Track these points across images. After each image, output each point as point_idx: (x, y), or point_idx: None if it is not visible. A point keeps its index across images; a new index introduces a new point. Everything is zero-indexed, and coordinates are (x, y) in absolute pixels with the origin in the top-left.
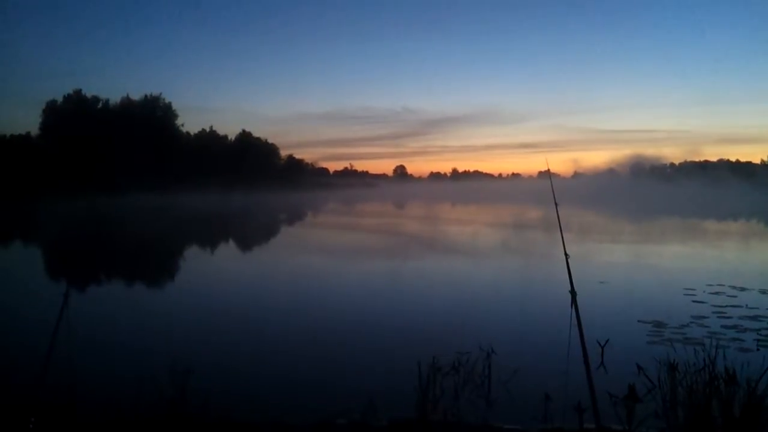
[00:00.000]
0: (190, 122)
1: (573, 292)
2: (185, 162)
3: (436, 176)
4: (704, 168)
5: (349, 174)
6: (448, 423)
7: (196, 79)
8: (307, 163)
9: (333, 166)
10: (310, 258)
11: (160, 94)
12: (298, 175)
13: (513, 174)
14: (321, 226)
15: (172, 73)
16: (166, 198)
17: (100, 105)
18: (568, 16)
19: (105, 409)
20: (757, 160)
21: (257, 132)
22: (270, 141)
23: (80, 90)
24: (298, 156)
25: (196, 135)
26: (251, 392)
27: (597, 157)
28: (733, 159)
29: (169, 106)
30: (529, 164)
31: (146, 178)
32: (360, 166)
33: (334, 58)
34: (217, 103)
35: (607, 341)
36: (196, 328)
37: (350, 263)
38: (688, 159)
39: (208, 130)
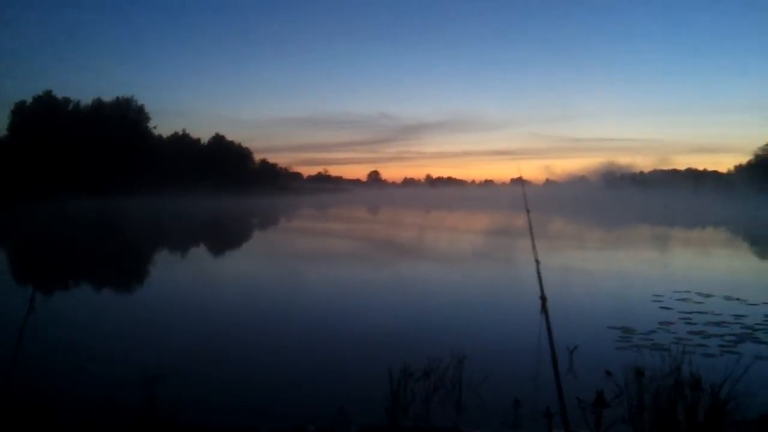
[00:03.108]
0: (164, 125)
1: (543, 298)
2: (157, 165)
3: (410, 182)
4: (673, 176)
5: (323, 179)
6: (418, 428)
7: (170, 82)
8: (280, 168)
9: (307, 171)
10: (280, 264)
11: (133, 96)
12: (271, 179)
13: (486, 180)
14: (292, 231)
15: (145, 76)
16: (137, 201)
17: (70, 107)
18: (544, 27)
19: (71, 416)
20: (723, 170)
21: (231, 136)
22: (244, 145)
23: (50, 91)
24: (272, 160)
25: (168, 138)
26: (221, 398)
27: (569, 165)
28: (701, 168)
29: (141, 109)
30: (502, 171)
31: (117, 181)
32: (334, 171)
33: (312, 62)
34: (191, 106)
35: (576, 347)
36: (166, 333)
37: (321, 269)
38: (658, 168)
39: (180, 133)
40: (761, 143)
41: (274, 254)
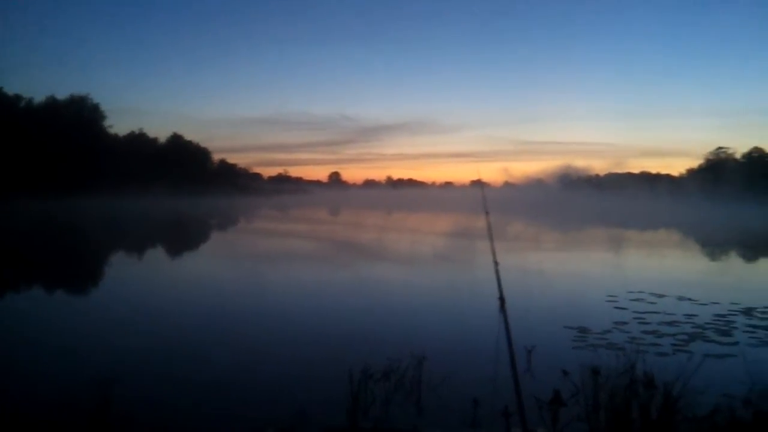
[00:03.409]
0: (120, 125)
1: (502, 299)
2: (113, 165)
3: (370, 184)
4: (627, 179)
5: (283, 180)
6: (378, 429)
7: (126, 81)
8: (240, 168)
9: (267, 172)
10: (239, 266)
11: (88, 94)
12: (231, 180)
13: (446, 182)
14: (251, 232)
15: (101, 74)
16: (92, 201)
17: (23, 104)
18: (504, 30)
19: (21, 422)
20: (676, 173)
21: (190, 135)
22: (203, 145)
23: (1, 87)
24: (231, 161)
25: (124, 137)
26: (179, 401)
27: (527, 167)
28: (654, 171)
29: (96, 107)
30: (462, 173)
31: (71, 181)
32: (295, 172)
33: (273, 63)
34: (148, 105)
35: (533, 347)
36: (122, 336)
37: (280, 271)
38: (613, 171)
39: (137, 132)
40: (712, 148)
41: (233, 256)
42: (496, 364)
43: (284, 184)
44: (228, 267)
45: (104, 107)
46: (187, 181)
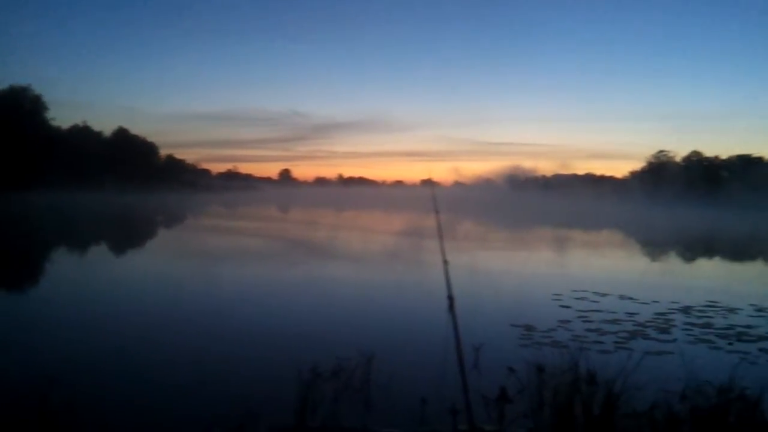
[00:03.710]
0: (65, 118)
1: (451, 298)
2: (55, 158)
3: (321, 181)
4: (573, 180)
5: (232, 176)
6: (326, 428)
7: (71, 72)
8: (188, 164)
9: (216, 168)
10: (184, 263)
11: (29, 85)
12: (178, 175)
13: (396, 181)
14: (197, 229)
15: (44, 67)
16: (33, 197)
17: None
18: (456, 32)
19: None
20: (619, 175)
21: (136, 130)
22: (150, 139)
23: None
24: (179, 156)
25: (68, 130)
26: (122, 402)
27: (477, 167)
28: (598, 173)
29: (38, 99)
30: (413, 172)
31: (9, 175)
32: (245, 168)
33: (223, 57)
34: (94, 98)
35: (481, 345)
36: (62, 336)
37: (227, 269)
38: (559, 172)
39: (81, 125)
40: (654, 151)
41: (179, 254)
42: (444, 362)
43: (233, 180)
44: (174, 265)
45: (47, 99)
46: (134, 177)
